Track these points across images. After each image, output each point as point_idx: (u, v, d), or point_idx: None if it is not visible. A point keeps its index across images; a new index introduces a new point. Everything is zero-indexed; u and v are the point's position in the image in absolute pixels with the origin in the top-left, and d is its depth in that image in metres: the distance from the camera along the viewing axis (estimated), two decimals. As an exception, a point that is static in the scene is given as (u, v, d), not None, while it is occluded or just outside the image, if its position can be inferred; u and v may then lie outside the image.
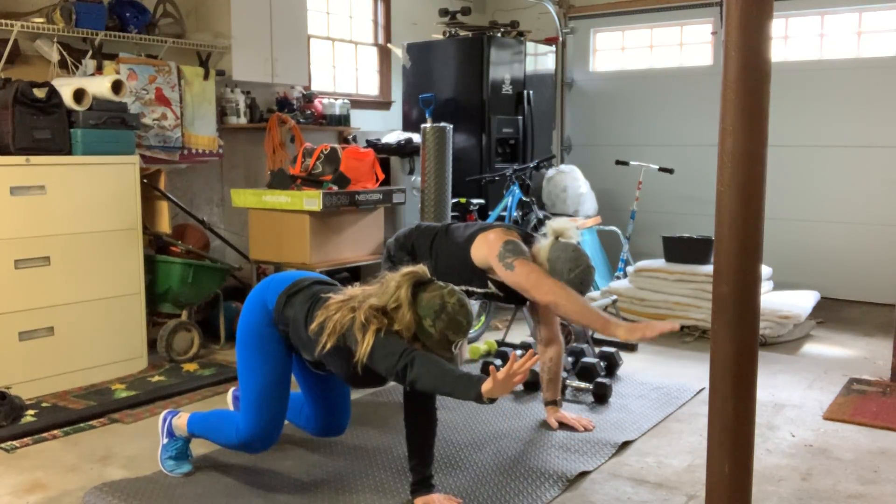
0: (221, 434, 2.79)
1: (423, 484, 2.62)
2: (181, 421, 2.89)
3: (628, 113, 6.99)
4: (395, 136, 5.83)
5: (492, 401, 2.21)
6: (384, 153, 5.65)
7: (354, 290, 2.54)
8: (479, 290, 3.23)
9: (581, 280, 3.01)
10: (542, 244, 3.11)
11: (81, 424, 3.41)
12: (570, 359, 4.07)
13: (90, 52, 4.38)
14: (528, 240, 3.19)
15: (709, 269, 4.92)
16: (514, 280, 2.99)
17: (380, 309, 2.37)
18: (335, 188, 4.61)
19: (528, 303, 3.30)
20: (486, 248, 3.11)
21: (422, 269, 2.42)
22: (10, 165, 3.65)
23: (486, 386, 2.18)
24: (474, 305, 4.80)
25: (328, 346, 2.44)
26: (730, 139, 1.80)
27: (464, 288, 3.20)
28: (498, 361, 4.03)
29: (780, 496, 2.75)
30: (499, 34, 6.27)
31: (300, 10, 5.45)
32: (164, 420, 2.93)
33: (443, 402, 3.65)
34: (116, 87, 4.02)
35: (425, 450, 2.63)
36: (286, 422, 3.15)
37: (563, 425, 3.34)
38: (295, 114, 5.59)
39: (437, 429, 2.66)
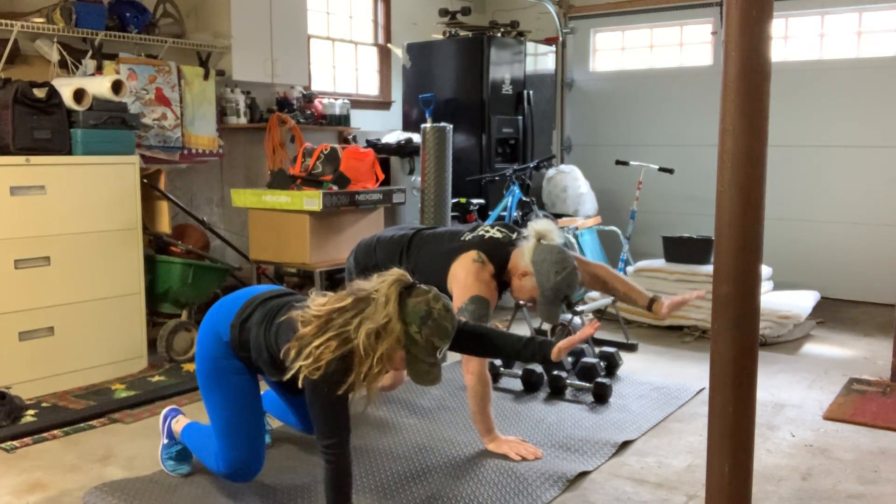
0: (205, 459, 2.73)
1: (544, 343, 2.58)
2: (178, 427, 2.87)
3: (628, 113, 6.99)
4: (395, 136, 5.83)
5: None
6: (384, 153, 5.65)
7: (319, 300, 2.35)
8: None
9: (568, 283, 2.96)
10: (525, 246, 3.04)
11: (81, 424, 3.41)
12: (570, 359, 4.07)
13: (90, 52, 4.38)
14: (505, 248, 3.11)
15: (709, 269, 4.92)
16: None
17: (375, 332, 2.23)
18: (335, 188, 4.61)
19: (521, 302, 3.26)
20: (456, 287, 3.04)
21: (403, 273, 2.32)
22: (10, 165, 3.65)
23: None
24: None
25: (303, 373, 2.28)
26: (730, 139, 1.80)
27: None
28: (497, 361, 4.03)
29: (780, 496, 2.75)
30: (499, 34, 6.27)
31: (300, 10, 5.45)
32: (165, 419, 2.93)
33: (443, 403, 3.66)
34: (116, 87, 4.01)
35: (503, 341, 2.63)
36: (280, 421, 3.16)
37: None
38: (295, 114, 5.59)
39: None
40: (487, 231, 3.19)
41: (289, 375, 2.27)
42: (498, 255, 3.09)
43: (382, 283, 2.28)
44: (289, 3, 5.32)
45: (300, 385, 2.27)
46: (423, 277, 3.16)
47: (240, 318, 2.55)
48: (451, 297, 3.08)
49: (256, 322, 2.50)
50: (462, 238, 3.19)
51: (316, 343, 2.23)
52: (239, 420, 2.60)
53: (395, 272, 2.31)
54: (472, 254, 3.07)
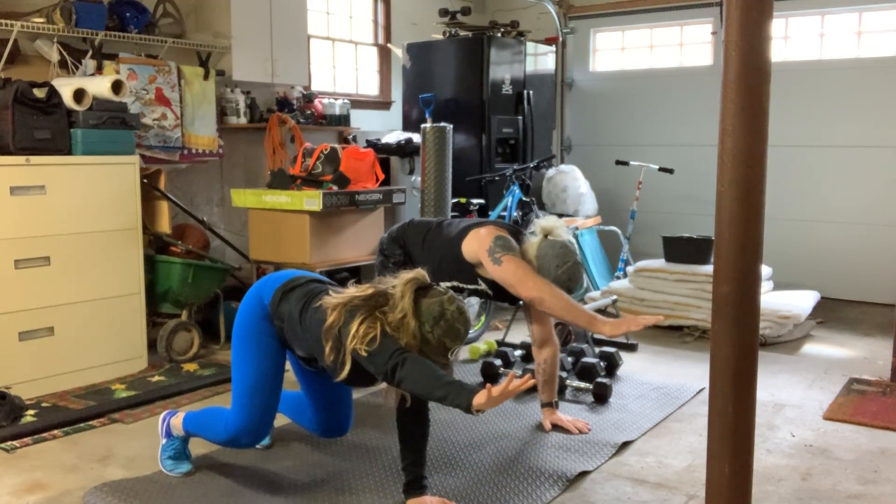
0: (212, 430, 2.79)
1: (415, 485, 2.62)
2: (178, 420, 2.89)
3: (628, 113, 6.99)
4: (395, 136, 5.83)
5: (479, 412, 2.19)
6: (384, 153, 5.65)
7: (350, 290, 2.51)
8: (467, 287, 3.22)
9: (569, 276, 3.01)
10: (531, 242, 3.11)
11: (81, 424, 3.41)
12: (570, 359, 4.07)
13: (90, 52, 4.38)
14: (519, 237, 3.19)
15: (709, 269, 4.92)
16: (500, 275, 3.02)
17: (393, 323, 2.35)
18: (335, 188, 4.61)
19: (521, 302, 3.29)
20: (476, 243, 3.12)
21: (421, 273, 2.41)
22: (10, 165, 3.65)
23: (479, 399, 2.15)
24: (473, 306, 4.82)
25: (328, 350, 2.45)
26: (730, 139, 1.80)
27: (452, 283, 3.20)
28: (498, 361, 4.03)
29: (780, 496, 2.75)
30: (499, 34, 6.27)
31: (300, 10, 5.44)
32: (164, 420, 2.94)
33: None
34: (116, 87, 4.01)
35: (417, 451, 2.63)
36: (289, 420, 3.17)
37: (559, 427, 3.33)
38: (295, 114, 5.59)
39: (429, 430, 2.65)
40: (503, 224, 3.31)
41: (345, 373, 2.38)
42: (515, 237, 3.17)
43: (400, 280, 2.40)
44: (289, 3, 5.32)
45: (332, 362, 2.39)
46: (440, 248, 3.29)
47: (284, 288, 2.70)
48: (459, 280, 3.15)
49: (296, 298, 2.64)
50: (485, 220, 3.31)
51: (355, 326, 2.33)
52: (261, 381, 2.69)
53: (413, 272, 2.42)
54: (490, 226, 3.19)
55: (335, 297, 2.47)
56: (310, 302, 2.59)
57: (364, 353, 2.34)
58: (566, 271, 3.00)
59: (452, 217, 5.11)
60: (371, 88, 6.73)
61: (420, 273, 2.41)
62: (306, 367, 2.83)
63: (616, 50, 7.23)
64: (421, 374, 2.27)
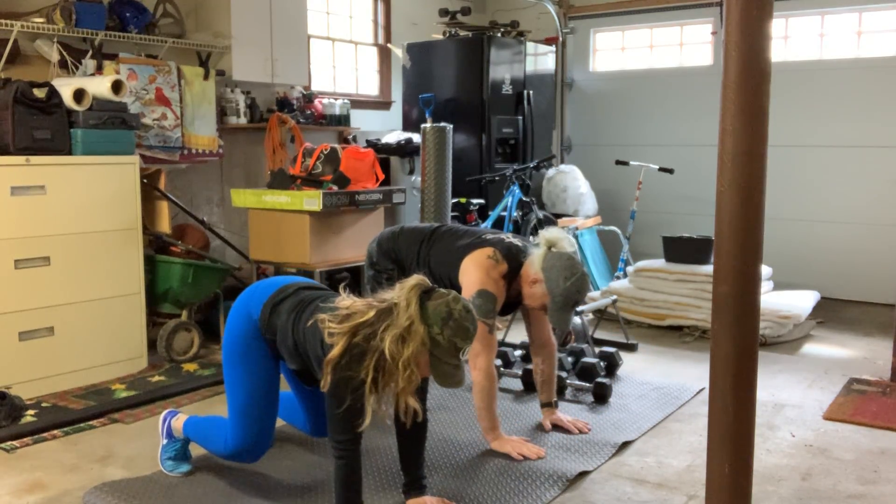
0: (211, 443, 2.79)
1: (414, 485, 2.62)
2: (179, 423, 2.89)
3: (628, 113, 6.99)
4: (395, 136, 5.83)
5: None
6: (384, 153, 5.65)
7: (345, 304, 2.40)
8: None
9: (577, 288, 2.99)
10: (535, 254, 3.08)
11: (81, 424, 3.41)
12: (570, 359, 4.07)
13: (90, 52, 4.39)
14: (521, 255, 3.14)
15: (709, 269, 4.92)
16: None
17: (399, 337, 2.28)
18: (335, 188, 4.61)
19: (521, 305, 3.28)
20: (465, 279, 3.09)
21: (422, 278, 2.38)
22: (10, 165, 3.65)
23: None
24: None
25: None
26: (730, 139, 1.80)
27: None
28: (498, 361, 4.03)
29: (780, 496, 2.75)
30: (499, 34, 6.27)
31: (300, 10, 5.45)
32: (164, 420, 2.94)
33: (442, 402, 3.66)
34: (116, 87, 4.02)
35: (416, 451, 2.62)
36: (285, 422, 3.17)
37: (559, 427, 3.33)
38: (295, 114, 5.59)
39: (427, 431, 2.64)
40: (508, 237, 3.25)
41: (365, 423, 2.32)
42: (514, 259, 3.13)
43: (402, 290, 2.33)
44: (289, 3, 5.32)
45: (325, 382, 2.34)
46: (437, 267, 3.25)
47: (273, 300, 2.63)
48: (459, 291, 3.10)
49: (287, 310, 2.58)
50: (482, 237, 3.24)
51: (368, 379, 2.29)
52: (256, 399, 2.67)
53: (414, 278, 2.36)
54: (488, 250, 3.12)
55: (335, 324, 2.34)
56: (302, 313, 2.53)
57: (335, 382, 2.32)
58: (574, 283, 2.98)
59: (453, 217, 5.13)
60: (371, 88, 6.73)
61: (421, 278, 2.37)
62: (301, 382, 2.82)
63: (616, 50, 7.23)
64: (341, 488, 2.39)
